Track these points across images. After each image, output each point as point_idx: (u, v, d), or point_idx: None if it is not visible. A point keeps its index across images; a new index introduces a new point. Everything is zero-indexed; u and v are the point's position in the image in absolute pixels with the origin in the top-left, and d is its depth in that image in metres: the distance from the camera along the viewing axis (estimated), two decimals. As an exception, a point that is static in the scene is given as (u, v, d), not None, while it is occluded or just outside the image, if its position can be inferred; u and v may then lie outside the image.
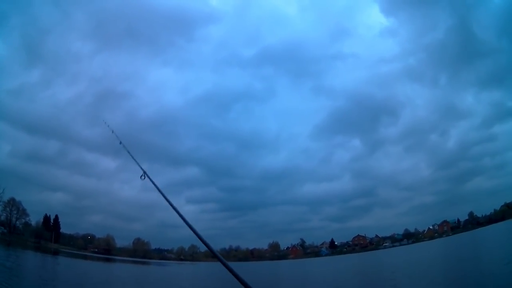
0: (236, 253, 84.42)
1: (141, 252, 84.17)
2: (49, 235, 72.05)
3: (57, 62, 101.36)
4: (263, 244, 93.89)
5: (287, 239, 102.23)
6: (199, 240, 2.44)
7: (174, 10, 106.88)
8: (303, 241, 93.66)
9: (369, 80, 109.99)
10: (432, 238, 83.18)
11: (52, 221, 75.35)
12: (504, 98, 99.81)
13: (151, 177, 3.96)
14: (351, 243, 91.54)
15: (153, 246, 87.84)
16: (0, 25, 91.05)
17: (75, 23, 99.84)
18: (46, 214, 74.95)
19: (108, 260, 69.46)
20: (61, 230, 76.86)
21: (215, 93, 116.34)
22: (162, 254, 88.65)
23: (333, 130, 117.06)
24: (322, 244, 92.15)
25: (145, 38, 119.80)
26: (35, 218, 72.31)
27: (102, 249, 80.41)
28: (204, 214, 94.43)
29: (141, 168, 4.19)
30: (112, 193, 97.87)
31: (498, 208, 77.80)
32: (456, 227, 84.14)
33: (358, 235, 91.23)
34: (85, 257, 66.38)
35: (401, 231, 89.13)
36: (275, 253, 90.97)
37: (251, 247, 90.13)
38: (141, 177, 4.10)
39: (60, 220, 76.64)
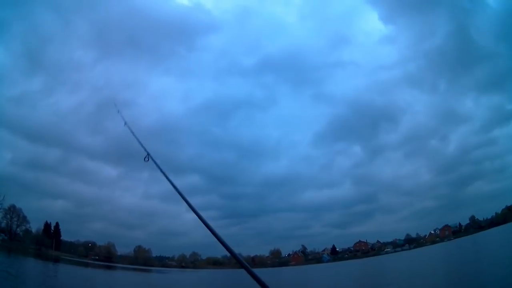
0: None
1: (142, 259, 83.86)
2: (49, 242, 71.87)
3: (59, 70, 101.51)
4: (264, 251, 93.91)
5: (288, 246, 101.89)
6: (219, 243, 2.49)
7: (176, 20, 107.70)
8: (304, 248, 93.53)
9: (368, 87, 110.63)
10: (433, 242, 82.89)
11: (52, 228, 75.22)
12: (503, 102, 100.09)
13: (154, 158, 3.93)
14: (352, 249, 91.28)
15: (154, 254, 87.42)
16: (2, 32, 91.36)
17: (77, 32, 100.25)
18: (46, 221, 74.84)
19: (109, 267, 69.32)
20: (61, 238, 76.72)
21: (216, 101, 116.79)
22: (163, 262, 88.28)
23: (333, 137, 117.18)
24: (324, 250, 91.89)
25: (147, 47, 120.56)
26: (35, 225, 72.27)
27: (103, 256, 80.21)
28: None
29: (145, 149, 4.20)
30: (113, 200, 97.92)
31: (499, 211, 77.79)
32: (457, 231, 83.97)
33: (360, 241, 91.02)
34: (86, 265, 66.26)
35: (402, 236, 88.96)
36: (277, 260, 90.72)
37: (252, 254, 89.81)
38: (144, 158, 4.10)
39: (60, 227, 76.57)
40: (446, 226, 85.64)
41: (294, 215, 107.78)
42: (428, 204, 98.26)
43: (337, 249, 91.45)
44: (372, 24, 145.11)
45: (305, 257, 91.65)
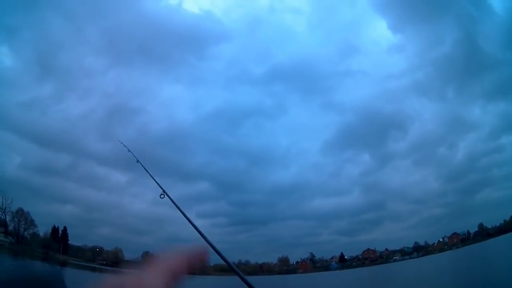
0: (245, 267, 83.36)
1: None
2: (57, 246, 72.25)
3: (70, 76, 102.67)
4: (272, 258, 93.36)
5: (296, 253, 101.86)
6: (216, 254, 2.54)
7: (187, 29, 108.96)
8: (312, 255, 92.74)
9: (377, 95, 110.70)
10: (442, 250, 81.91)
11: (60, 232, 75.64)
12: (511, 109, 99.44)
13: (170, 195, 4.01)
14: (360, 257, 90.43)
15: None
16: (14, 38, 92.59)
17: (88, 39, 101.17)
18: (54, 225, 75.30)
19: (116, 272, 69.37)
20: (69, 242, 77.04)
21: (226, 109, 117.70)
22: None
23: (342, 145, 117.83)
24: (332, 258, 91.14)
25: (158, 55, 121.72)
26: (43, 229, 72.63)
27: (111, 261, 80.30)
28: (214, 228, 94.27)
29: (161, 187, 4.25)
30: (122, 206, 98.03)
31: (507, 218, 76.77)
32: (466, 239, 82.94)
33: (368, 248, 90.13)
34: (93, 269, 66.47)
35: (411, 244, 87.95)
36: (285, 267, 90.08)
37: (260, 261, 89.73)
38: (160, 196, 4.16)
39: (68, 231, 76.96)
40: (455, 233, 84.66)
41: (303, 223, 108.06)
42: (436, 211, 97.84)
43: (345, 257, 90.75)
44: (381, 32, 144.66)
45: (313, 264, 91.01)
